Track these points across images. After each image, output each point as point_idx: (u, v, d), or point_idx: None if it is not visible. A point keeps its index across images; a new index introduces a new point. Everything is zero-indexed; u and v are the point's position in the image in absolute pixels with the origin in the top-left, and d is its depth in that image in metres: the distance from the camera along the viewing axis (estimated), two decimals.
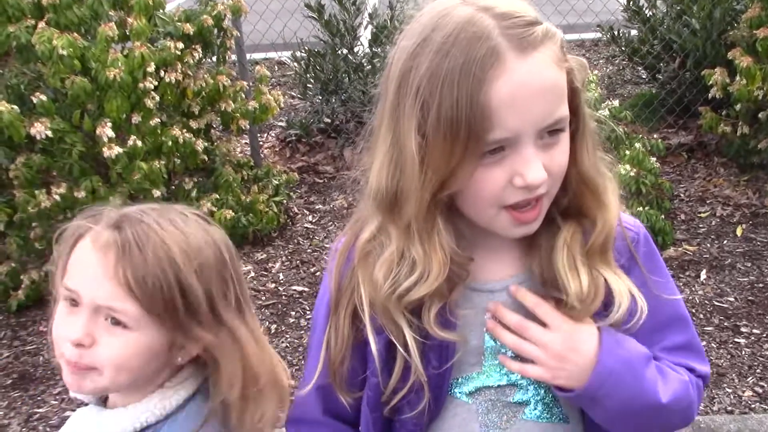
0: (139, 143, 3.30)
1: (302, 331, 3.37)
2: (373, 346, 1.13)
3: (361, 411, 1.22)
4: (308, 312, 3.51)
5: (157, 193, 3.39)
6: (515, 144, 1.00)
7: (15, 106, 3.14)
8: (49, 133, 3.18)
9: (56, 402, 3.04)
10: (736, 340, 3.13)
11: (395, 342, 1.12)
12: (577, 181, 1.10)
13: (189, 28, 3.58)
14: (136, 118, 3.33)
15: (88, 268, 1.13)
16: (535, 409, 1.17)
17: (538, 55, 0.99)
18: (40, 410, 3.00)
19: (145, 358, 1.15)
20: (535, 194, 1.03)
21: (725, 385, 2.88)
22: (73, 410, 2.90)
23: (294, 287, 3.75)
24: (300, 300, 3.64)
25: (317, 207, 4.53)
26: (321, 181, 4.87)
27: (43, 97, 3.20)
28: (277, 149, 5.26)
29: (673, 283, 1.23)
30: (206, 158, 3.87)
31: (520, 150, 1.01)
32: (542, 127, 1.00)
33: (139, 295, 1.10)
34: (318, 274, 3.83)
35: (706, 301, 3.39)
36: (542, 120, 1.00)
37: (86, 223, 1.16)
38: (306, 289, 3.71)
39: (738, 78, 3.73)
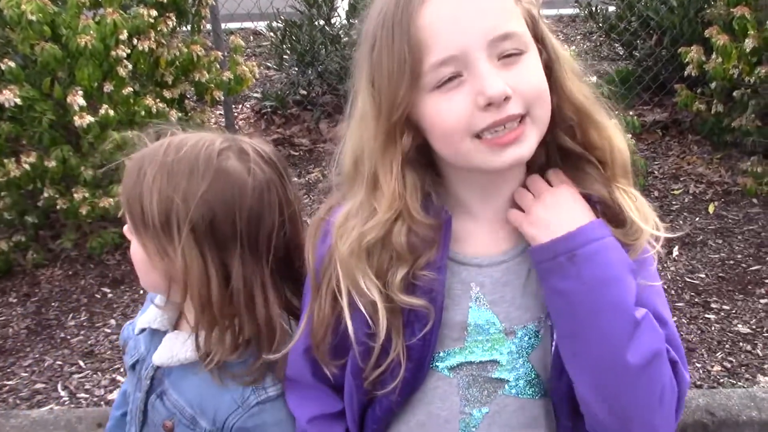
0: (111, 112, 3.23)
1: None
2: (350, 326, 1.12)
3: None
4: None
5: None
6: (468, 65, 1.00)
7: None
8: (18, 101, 3.11)
9: (26, 374, 3.01)
10: (707, 315, 3.18)
11: (365, 313, 1.11)
12: (574, 112, 1.10)
13: None
14: (108, 87, 3.26)
15: None
16: (516, 385, 1.17)
17: None
18: (10, 382, 2.97)
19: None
20: (506, 113, 1.01)
21: (695, 360, 2.92)
22: (44, 383, 2.89)
23: None
24: None
25: (292, 180, 4.49)
26: (297, 153, 4.83)
27: (12, 64, 3.13)
28: (252, 121, 5.21)
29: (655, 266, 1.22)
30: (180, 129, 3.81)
31: (474, 69, 1.00)
32: (490, 40, 1.00)
33: None
34: None
35: (678, 278, 3.43)
36: (487, 32, 1.00)
37: None
38: None
39: (714, 56, 3.73)
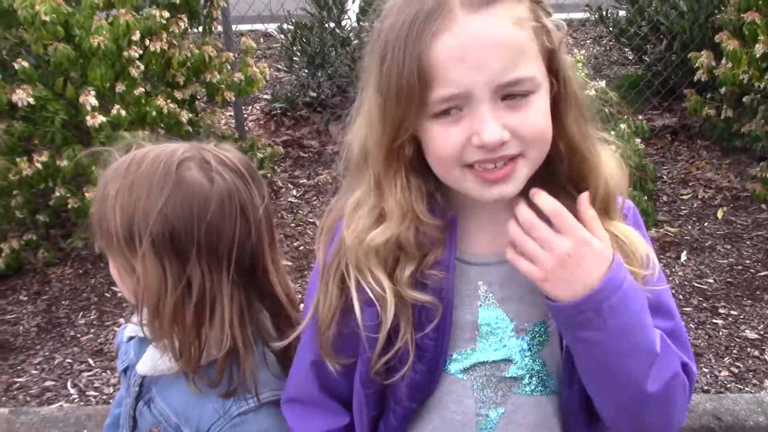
0: (123, 112, 3.26)
1: None
2: (357, 311, 1.13)
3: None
4: (294, 287, 3.51)
5: None
6: (470, 102, 1.00)
7: None
8: (31, 101, 3.14)
9: (36, 371, 3.03)
10: (714, 321, 3.17)
11: (373, 297, 1.12)
12: (567, 149, 1.10)
13: None
14: (120, 87, 3.29)
15: None
16: (530, 383, 1.18)
17: (493, 11, 0.99)
18: (20, 379, 2.99)
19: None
20: (498, 154, 1.02)
21: (702, 365, 2.92)
22: (54, 380, 2.92)
23: None
24: None
25: (301, 181, 4.51)
26: (306, 155, 4.85)
27: (25, 64, 3.16)
28: (262, 122, 5.23)
29: (660, 267, 1.22)
30: (190, 129, 3.83)
31: (475, 109, 1.00)
32: (498, 85, 0.99)
33: None
34: (302, 248, 3.83)
35: (686, 282, 3.43)
36: (496, 77, 0.99)
37: None
38: (289, 263, 3.71)
39: (724, 61, 3.73)
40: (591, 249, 1.03)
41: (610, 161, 1.14)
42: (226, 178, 1.27)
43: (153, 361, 1.34)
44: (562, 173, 1.12)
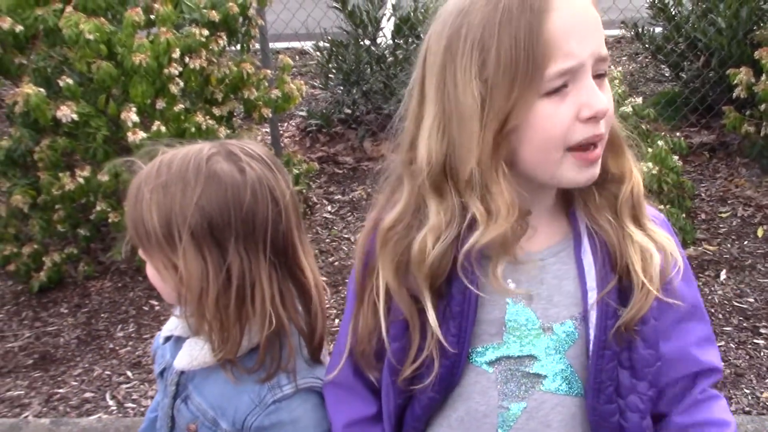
0: (163, 129, 3.31)
1: None
2: (383, 326, 1.17)
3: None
4: (328, 301, 3.52)
5: None
6: (577, 76, 1.03)
7: (41, 89, 3.18)
8: (75, 117, 3.21)
9: (76, 383, 3.08)
10: (755, 341, 3.12)
11: (403, 309, 1.15)
12: (610, 140, 1.12)
13: (214, 15, 3.59)
14: (160, 104, 3.35)
15: None
16: (554, 381, 1.18)
17: None
18: (61, 390, 3.04)
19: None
20: (599, 130, 1.05)
21: (743, 385, 2.87)
22: (93, 392, 2.96)
23: None
24: None
25: (336, 197, 4.54)
26: (340, 171, 4.88)
27: (70, 81, 3.23)
28: (297, 139, 5.28)
29: (690, 270, 1.24)
30: None
31: (582, 82, 1.03)
32: (596, 57, 1.04)
33: None
34: (336, 263, 3.84)
35: (726, 302, 3.37)
36: (597, 49, 1.04)
37: None
38: (324, 278, 3.73)
39: (763, 78, 3.69)
40: None
41: (634, 162, 1.17)
42: (254, 167, 1.32)
43: (190, 356, 1.37)
44: (608, 173, 1.14)
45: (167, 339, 1.49)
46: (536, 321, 1.17)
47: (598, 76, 1.06)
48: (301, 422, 1.35)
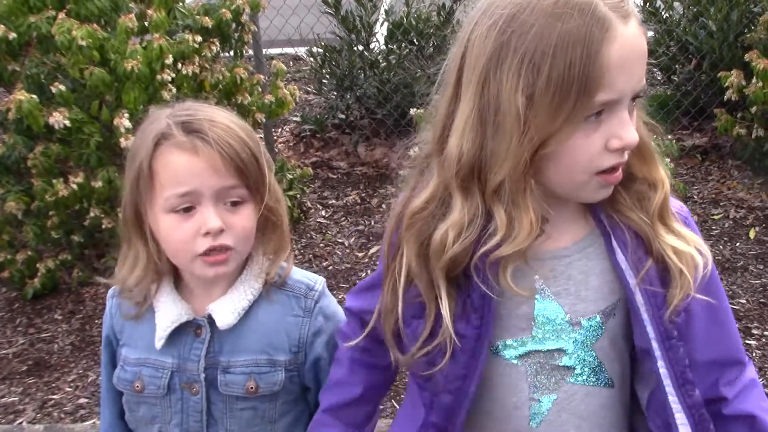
0: None
1: None
2: (400, 307, 1.19)
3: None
4: None
5: None
6: (614, 107, 1.05)
7: (34, 96, 3.17)
8: (68, 123, 3.20)
9: (70, 389, 3.08)
10: (747, 342, 3.13)
11: (420, 293, 1.17)
12: (639, 150, 1.14)
13: (207, 22, 3.60)
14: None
15: (193, 168, 1.29)
16: (582, 373, 1.20)
17: (635, 23, 1.05)
18: (55, 396, 3.04)
19: (254, 229, 1.38)
20: (624, 158, 1.08)
21: None
22: (87, 398, 2.96)
23: None
24: None
25: (330, 202, 4.55)
26: (334, 176, 4.89)
27: (62, 87, 3.23)
28: (291, 144, 5.29)
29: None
30: None
31: (617, 113, 1.05)
32: (636, 91, 1.07)
33: (242, 174, 1.32)
34: (330, 268, 3.85)
35: None
36: (638, 84, 1.06)
37: (150, 142, 1.32)
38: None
39: (754, 80, 3.71)
40: None
41: (662, 164, 1.19)
42: None
43: (233, 309, 1.40)
44: (636, 178, 1.16)
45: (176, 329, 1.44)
46: (564, 315, 1.19)
47: (633, 98, 1.08)
48: (337, 310, 1.50)
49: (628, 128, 1.06)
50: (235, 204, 1.33)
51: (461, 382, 1.18)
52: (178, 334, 1.41)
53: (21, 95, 3.13)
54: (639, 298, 1.14)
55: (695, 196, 4.33)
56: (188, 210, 1.30)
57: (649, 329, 1.14)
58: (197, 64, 3.50)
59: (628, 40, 1.03)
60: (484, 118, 1.08)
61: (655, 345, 1.14)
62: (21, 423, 2.90)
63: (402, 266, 1.19)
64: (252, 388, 1.40)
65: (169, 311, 1.40)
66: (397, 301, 1.20)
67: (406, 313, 1.19)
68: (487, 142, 1.08)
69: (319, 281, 1.49)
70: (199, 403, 1.43)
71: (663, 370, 1.14)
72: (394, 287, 1.21)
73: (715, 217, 4.13)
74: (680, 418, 1.15)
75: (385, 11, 5.18)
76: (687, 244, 1.16)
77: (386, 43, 5.10)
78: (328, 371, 1.45)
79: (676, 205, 1.23)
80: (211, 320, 1.40)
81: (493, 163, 1.08)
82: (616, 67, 1.02)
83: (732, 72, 3.90)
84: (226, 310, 1.39)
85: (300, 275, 1.49)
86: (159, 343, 1.41)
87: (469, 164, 1.10)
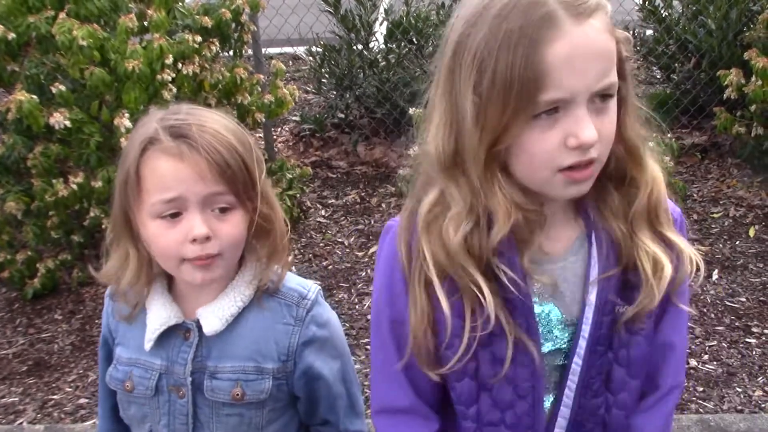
0: None
1: None
2: (445, 307, 1.15)
3: (442, 391, 1.27)
4: None
5: None
6: (569, 106, 1.04)
7: (34, 96, 3.18)
8: (68, 123, 3.21)
9: (71, 389, 3.08)
10: (747, 340, 3.14)
11: (466, 299, 1.15)
12: (626, 151, 1.15)
13: (207, 21, 3.60)
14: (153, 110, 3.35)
15: (179, 174, 1.27)
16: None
17: (593, 22, 1.04)
18: (55, 397, 3.04)
19: (244, 235, 1.35)
20: (587, 156, 1.07)
21: (735, 384, 2.88)
22: (88, 398, 2.96)
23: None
24: None
25: (330, 201, 4.55)
26: (334, 175, 4.89)
27: (62, 88, 3.23)
28: (291, 143, 5.29)
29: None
30: None
31: (573, 111, 1.05)
32: (595, 90, 1.05)
33: (229, 180, 1.29)
34: (330, 267, 3.85)
35: (718, 301, 3.39)
36: (596, 83, 1.04)
37: (138, 147, 1.31)
38: (318, 282, 3.73)
39: (753, 79, 3.71)
40: None
41: (655, 165, 1.19)
42: None
43: (221, 315, 1.38)
44: (612, 176, 1.17)
45: (162, 333, 1.43)
46: (561, 317, 1.21)
47: (604, 97, 1.07)
48: (331, 317, 1.48)
49: (584, 126, 1.04)
50: (223, 210, 1.31)
51: (532, 382, 1.20)
52: (167, 336, 1.41)
53: (21, 95, 3.13)
54: (591, 299, 1.17)
55: (695, 195, 4.33)
56: (175, 216, 1.28)
57: (584, 328, 1.18)
58: (197, 64, 3.50)
59: (578, 39, 1.02)
60: (450, 118, 1.12)
61: (581, 343, 1.18)
62: (21, 423, 2.90)
63: (429, 267, 1.16)
64: (238, 395, 1.39)
65: (159, 313, 1.40)
66: (431, 303, 1.18)
67: (454, 321, 1.16)
68: (455, 139, 1.12)
69: (312, 289, 1.47)
70: (185, 406, 1.42)
71: (575, 366, 1.19)
72: (426, 290, 1.18)
73: (715, 215, 4.14)
74: (563, 412, 1.22)
75: (385, 10, 5.18)
76: (670, 255, 1.16)
77: (385, 43, 5.10)
78: (321, 380, 1.43)
79: (669, 204, 1.24)
80: (200, 324, 1.40)
81: (466, 158, 1.11)
82: (561, 66, 1.01)
83: (731, 70, 3.91)
84: (213, 315, 1.38)
85: (294, 282, 1.46)
86: (148, 345, 1.41)
87: (451, 160, 1.13)
